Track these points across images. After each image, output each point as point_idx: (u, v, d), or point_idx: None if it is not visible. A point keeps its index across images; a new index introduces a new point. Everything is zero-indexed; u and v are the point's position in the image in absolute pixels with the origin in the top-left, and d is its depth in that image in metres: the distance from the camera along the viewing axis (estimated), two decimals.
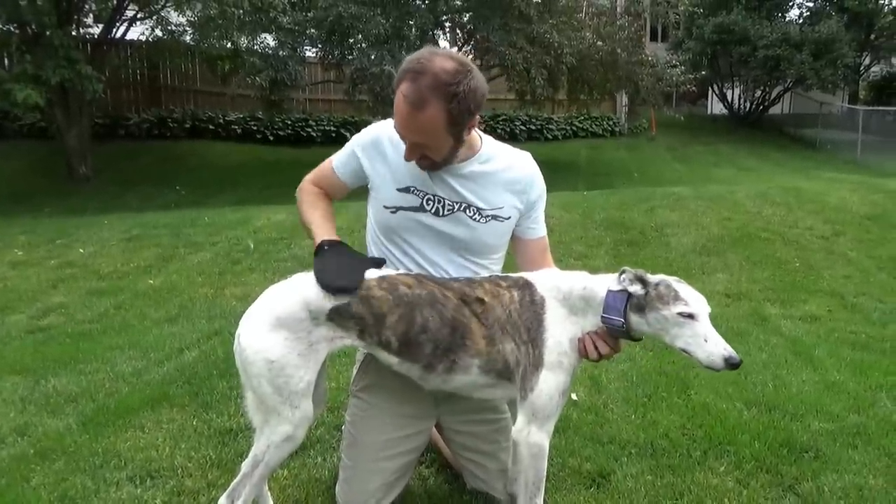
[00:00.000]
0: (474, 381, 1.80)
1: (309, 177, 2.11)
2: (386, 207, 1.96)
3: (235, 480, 1.82)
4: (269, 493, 2.06)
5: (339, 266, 1.81)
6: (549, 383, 1.72)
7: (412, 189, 1.92)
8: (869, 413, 2.88)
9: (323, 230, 1.94)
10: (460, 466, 2.22)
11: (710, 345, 1.63)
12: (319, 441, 2.53)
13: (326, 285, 1.77)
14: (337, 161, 2.05)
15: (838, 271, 5.63)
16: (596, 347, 1.75)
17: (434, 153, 1.82)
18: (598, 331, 1.77)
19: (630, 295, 1.71)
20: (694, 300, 1.67)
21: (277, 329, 1.73)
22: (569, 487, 2.23)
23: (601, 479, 2.29)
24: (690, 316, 1.65)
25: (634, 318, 1.72)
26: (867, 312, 4.67)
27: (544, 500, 2.02)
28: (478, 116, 1.81)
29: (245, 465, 1.81)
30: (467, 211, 1.93)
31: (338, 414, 2.69)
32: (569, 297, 1.78)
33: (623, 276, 1.72)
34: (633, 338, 1.79)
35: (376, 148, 1.97)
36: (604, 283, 1.77)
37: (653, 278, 1.71)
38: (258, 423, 1.82)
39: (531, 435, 1.74)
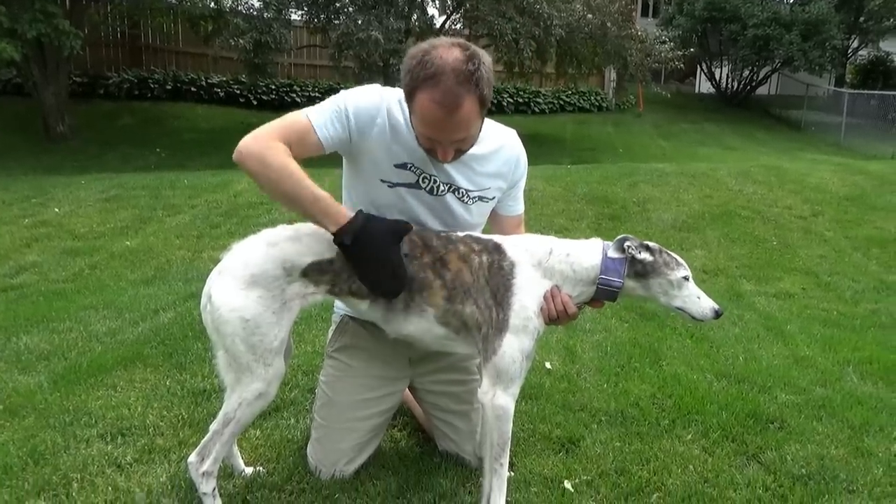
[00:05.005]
0: (430, 328, 1.82)
1: (272, 132, 1.71)
2: (383, 181, 1.88)
3: (205, 438, 1.80)
4: (238, 452, 2.07)
5: (379, 260, 1.72)
6: (513, 346, 1.75)
7: (409, 166, 1.87)
8: (835, 387, 2.94)
9: (336, 205, 1.74)
10: (432, 428, 2.24)
11: (702, 301, 1.85)
12: (293, 403, 2.54)
13: (390, 292, 1.77)
14: (319, 119, 1.75)
15: (814, 250, 5.71)
16: (556, 311, 1.78)
17: (468, 143, 1.77)
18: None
19: (629, 261, 1.82)
20: (686, 264, 1.88)
21: (252, 287, 1.71)
22: (538, 452, 2.26)
23: (570, 444, 2.32)
24: (687, 279, 1.85)
25: (630, 283, 1.85)
26: (840, 291, 4.75)
27: (512, 463, 2.05)
28: None
29: (215, 424, 1.80)
30: (456, 193, 1.93)
31: (313, 377, 2.69)
32: (544, 261, 1.81)
33: (628, 243, 1.82)
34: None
35: (378, 117, 1.81)
36: (586, 250, 1.84)
37: (653, 246, 1.85)
38: (230, 382, 1.79)
39: (496, 397, 1.76)
